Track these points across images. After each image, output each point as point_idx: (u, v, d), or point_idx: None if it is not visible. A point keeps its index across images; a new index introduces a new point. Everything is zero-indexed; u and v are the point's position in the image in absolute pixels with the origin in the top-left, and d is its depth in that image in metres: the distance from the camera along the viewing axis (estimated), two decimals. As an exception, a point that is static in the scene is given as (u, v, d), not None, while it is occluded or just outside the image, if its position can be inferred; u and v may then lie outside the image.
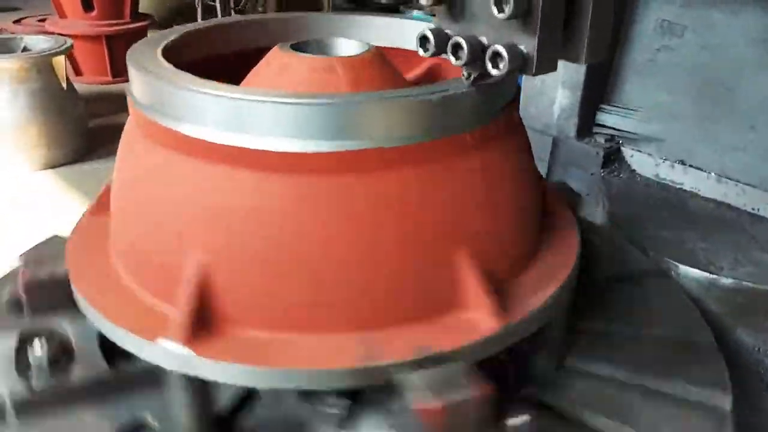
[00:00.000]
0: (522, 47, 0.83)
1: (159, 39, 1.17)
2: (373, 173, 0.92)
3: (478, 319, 0.96)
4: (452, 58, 0.88)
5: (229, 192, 0.93)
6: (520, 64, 0.83)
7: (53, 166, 3.72)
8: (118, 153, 1.13)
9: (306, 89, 1.06)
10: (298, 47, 1.16)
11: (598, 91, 2.27)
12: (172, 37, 1.18)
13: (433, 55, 0.90)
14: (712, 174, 2.05)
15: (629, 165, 2.24)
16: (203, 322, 0.93)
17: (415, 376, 0.88)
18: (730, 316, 1.62)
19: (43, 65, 3.62)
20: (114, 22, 5.01)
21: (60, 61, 3.71)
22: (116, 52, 4.97)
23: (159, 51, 1.09)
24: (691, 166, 2.10)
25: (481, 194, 1.01)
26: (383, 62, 1.15)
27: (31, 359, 1.04)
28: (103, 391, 1.07)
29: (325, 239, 0.93)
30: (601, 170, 2.21)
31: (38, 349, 1.06)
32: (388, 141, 0.91)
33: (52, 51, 3.67)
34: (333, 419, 1.04)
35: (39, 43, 3.88)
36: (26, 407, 1.02)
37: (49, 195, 3.44)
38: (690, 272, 1.65)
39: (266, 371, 0.91)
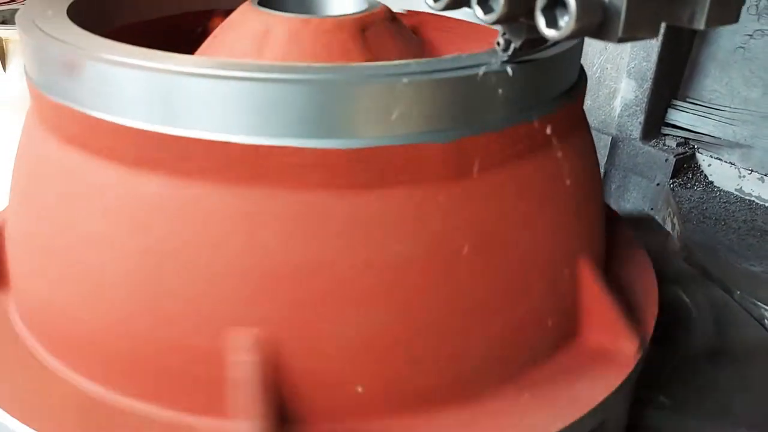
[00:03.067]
0: (601, -7, 0.48)
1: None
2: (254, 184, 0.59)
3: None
4: (479, 11, 0.53)
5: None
6: (598, 20, 0.48)
7: (64, 144, 3.53)
8: (18, 148, 0.83)
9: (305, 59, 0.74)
10: (272, 5, 0.83)
11: (671, 83, 1.94)
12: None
13: (447, 7, 0.55)
14: (814, 192, 1.67)
15: (706, 176, 1.90)
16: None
17: None
18: None
19: (55, 36, 3.42)
20: (141, -6, 4.79)
21: (74, 33, 3.50)
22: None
23: (64, 10, 0.76)
24: (785, 180, 1.74)
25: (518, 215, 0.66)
26: (373, 28, 0.81)
27: None
28: None
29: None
30: (670, 180, 1.85)
31: None
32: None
33: (67, 21, 3.47)
34: None
35: (55, 13, 3.68)
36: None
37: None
38: (790, 323, 1.27)
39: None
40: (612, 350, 0.75)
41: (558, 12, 0.49)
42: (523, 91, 0.66)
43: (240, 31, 0.83)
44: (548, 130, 0.70)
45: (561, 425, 0.66)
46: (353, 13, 0.84)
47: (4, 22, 3.56)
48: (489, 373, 0.70)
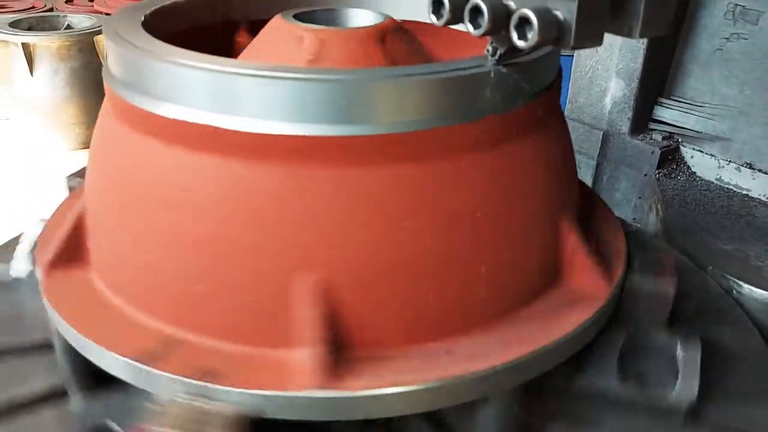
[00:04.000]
0: (558, 12, 0.66)
1: (142, 7, 1.03)
2: (303, 164, 0.77)
3: (295, 370, 0.79)
4: (470, 27, 0.71)
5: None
6: (554, 35, 0.66)
7: (90, 146, 3.71)
8: (92, 145, 1.01)
9: (325, 66, 0.92)
10: (302, 17, 1.01)
11: (657, 82, 2.06)
12: (155, 7, 1.04)
13: (448, 23, 0.74)
14: (785, 180, 1.82)
15: (688, 166, 2.03)
16: (337, 355, 0.80)
17: (177, 399, 0.76)
18: (801, 345, 1.40)
19: (84, 43, 3.60)
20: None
21: (101, 40, 3.68)
22: (161, 33, 4.95)
23: (139, 21, 0.95)
24: (759, 170, 1.88)
25: (496, 194, 0.84)
26: (389, 37, 0.99)
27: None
28: None
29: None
30: (656, 171, 2.00)
31: None
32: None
33: (94, 29, 3.65)
34: None
35: (82, 21, 3.87)
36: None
37: (85, 175, 3.43)
38: (754, 292, 1.44)
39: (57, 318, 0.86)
40: (589, 291, 0.93)
41: (527, 28, 0.67)
42: (510, 85, 0.84)
43: (277, 40, 1.01)
44: (532, 116, 0.88)
45: (553, 338, 0.85)
46: (372, 25, 1.02)
47: (30, 29, 3.77)
48: (495, 306, 0.88)
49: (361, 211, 0.78)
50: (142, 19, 0.97)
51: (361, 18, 1.07)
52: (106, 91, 0.95)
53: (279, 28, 0.99)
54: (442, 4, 0.73)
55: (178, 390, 0.76)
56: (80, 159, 3.58)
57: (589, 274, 0.93)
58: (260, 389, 0.75)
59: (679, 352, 0.97)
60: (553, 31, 0.66)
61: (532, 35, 0.65)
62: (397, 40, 1.01)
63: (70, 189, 1.36)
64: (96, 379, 0.97)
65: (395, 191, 0.79)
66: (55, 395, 0.96)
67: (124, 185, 0.90)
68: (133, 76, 0.86)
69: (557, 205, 0.94)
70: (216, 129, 0.78)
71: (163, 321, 0.86)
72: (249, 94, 0.77)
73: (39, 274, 0.96)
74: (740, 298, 1.46)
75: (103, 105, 0.98)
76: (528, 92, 0.85)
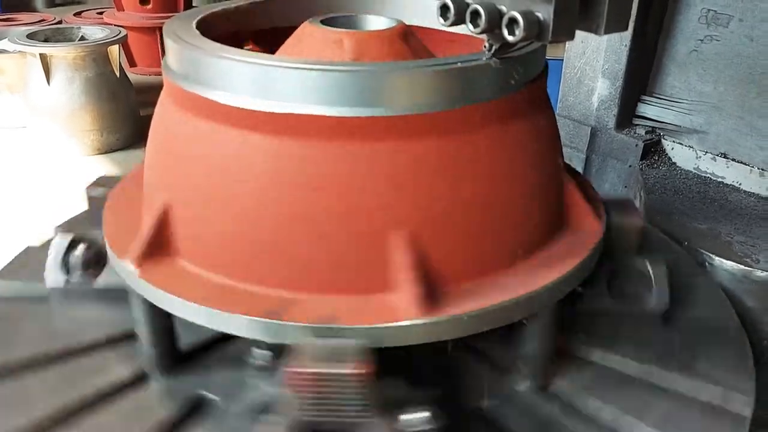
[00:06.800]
0: (539, 14, 0.83)
1: (194, 13, 1.21)
2: (386, 141, 0.94)
3: (399, 306, 0.95)
4: (471, 27, 0.89)
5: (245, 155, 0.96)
6: (536, 31, 0.84)
7: (106, 152, 3.88)
8: (152, 124, 1.17)
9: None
10: (327, 22, 1.19)
11: (639, 81, 2.24)
12: (206, 12, 1.22)
13: (453, 24, 0.91)
14: (755, 168, 1.99)
15: (669, 157, 2.20)
16: (428, 290, 0.96)
17: (309, 342, 0.90)
18: (764, 310, 1.57)
19: (98, 54, 3.77)
20: (168, 15, 5.16)
21: (114, 50, 3.86)
22: (169, 44, 5.13)
23: (193, 24, 1.13)
24: (733, 159, 2.05)
25: (485, 168, 1.02)
26: (409, 37, 1.17)
27: (71, 259, 1.24)
28: (117, 296, 1.17)
29: (313, 200, 0.96)
30: (640, 162, 2.18)
31: (78, 252, 1.24)
32: (406, 109, 0.93)
33: (107, 40, 3.82)
34: (257, 369, 1.12)
35: (95, 32, 4.04)
36: (60, 295, 1.24)
37: (100, 179, 3.58)
38: (724, 264, 1.62)
39: (177, 301, 0.98)
40: (588, 229, 1.16)
41: (515, 26, 0.85)
42: (504, 75, 1.01)
43: (315, 43, 1.16)
44: (527, 99, 1.06)
45: (576, 262, 1.07)
46: (395, 27, 1.18)
47: (46, 40, 3.94)
48: (530, 243, 1.09)
49: (429, 177, 0.97)
50: (196, 21, 1.15)
51: (376, 22, 1.25)
52: (165, 81, 1.12)
53: (313, 34, 1.16)
54: (448, 8, 0.90)
55: (308, 335, 0.91)
56: (95, 164, 3.75)
57: (588, 216, 1.16)
58: (375, 324, 0.92)
59: (650, 270, 1.23)
60: (535, 29, 0.84)
61: (519, 32, 0.83)
62: (414, 39, 1.20)
63: (90, 199, 1.45)
64: (178, 359, 1.16)
65: (446, 159, 0.97)
66: (136, 380, 1.14)
67: (219, 171, 1.01)
68: (190, 67, 1.03)
69: (559, 163, 1.16)
70: (326, 118, 0.93)
71: (273, 287, 0.99)
72: (289, 83, 0.93)
73: (127, 267, 1.04)
74: (711, 269, 1.63)
75: (162, 93, 1.15)
76: (521, 80, 1.03)
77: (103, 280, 1.21)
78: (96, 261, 1.23)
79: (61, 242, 1.24)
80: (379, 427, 0.89)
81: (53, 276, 1.23)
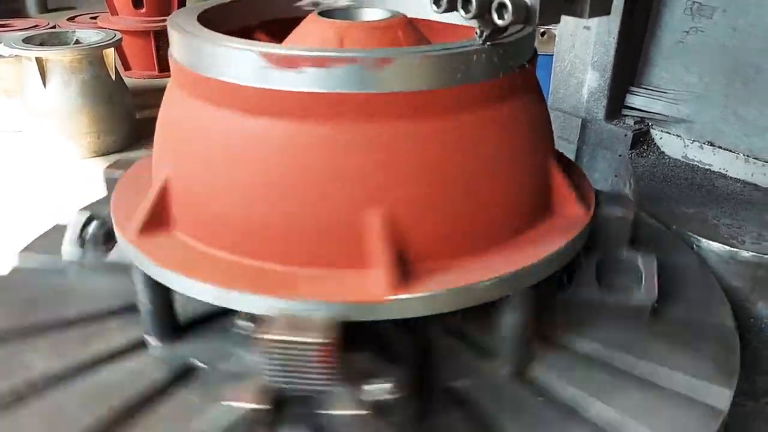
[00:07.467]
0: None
1: (196, 8, 1.26)
2: (370, 120, 0.98)
3: (369, 282, 0.98)
4: (462, 12, 0.94)
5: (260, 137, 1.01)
6: (524, 15, 0.89)
7: (103, 154, 3.90)
8: (161, 109, 1.21)
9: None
10: (326, 14, 1.24)
11: (627, 73, 2.29)
12: (207, 7, 1.27)
13: (446, 10, 0.96)
14: (740, 155, 2.05)
15: (658, 146, 2.25)
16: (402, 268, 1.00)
17: (280, 312, 0.95)
18: (750, 289, 1.62)
19: (93, 57, 3.81)
20: (162, 18, 5.20)
21: (109, 53, 3.89)
22: (163, 47, 5.17)
23: (195, 17, 1.18)
24: (719, 147, 2.11)
25: (502, 139, 1.06)
26: (406, 27, 1.22)
27: (86, 235, 1.33)
28: (126, 269, 1.21)
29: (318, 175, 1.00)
30: (630, 151, 2.23)
31: (91, 229, 1.34)
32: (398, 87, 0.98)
33: (102, 43, 3.86)
34: (241, 339, 1.18)
35: (90, 36, 4.07)
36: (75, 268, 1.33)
37: (98, 181, 3.61)
38: (711, 245, 1.66)
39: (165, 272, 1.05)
40: (572, 216, 1.19)
41: (503, 11, 0.90)
42: (496, 59, 1.06)
43: (319, 31, 1.21)
44: (515, 83, 1.11)
45: (554, 249, 1.09)
46: (395, 17, 1.24)
47: (42, 44, 3.98)
48: (509, 228, 1.12)
49: (408, 157, 1.01)
50: (197, 15, 1.19)
51: (373, 14, 1.30)
52: (172, 68, 1.17)
53: (316, 24, 1.20)
54: (440, -4, 0.96)
55: (280, 306, 0.96)
56: (93, 167, 3.78)
57: (572, 204, 1.19)
58: (345, 298, 0.96)
59: (640, 264, 1.24)
60: (523, 13, 0.89)
61: (508, 16, 0.88)
62: (413, 28, 1.25)
63: (108, 181, 1.53)
64: (173, 329, 1.22)
65: (430, 142, 1.01)
66: (136, 347, 1.21)
67: (218, 150, 1.06)
68: (195, 55, 1.08)
69: (546, 149, 1.19)
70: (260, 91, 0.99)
71: (249, 258, 1.05)
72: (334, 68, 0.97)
73: (127, 240, 1.11)
74: (699, 251, 1.68)
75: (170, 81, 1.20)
76: (512, 65, 1.08)
77: (114, 254, 1.29)
78: (109, 237, 1.30)
79: (78, 219, 1.32)
80: (342, 395, 0.92)
81: (70, 250, 1.32)
